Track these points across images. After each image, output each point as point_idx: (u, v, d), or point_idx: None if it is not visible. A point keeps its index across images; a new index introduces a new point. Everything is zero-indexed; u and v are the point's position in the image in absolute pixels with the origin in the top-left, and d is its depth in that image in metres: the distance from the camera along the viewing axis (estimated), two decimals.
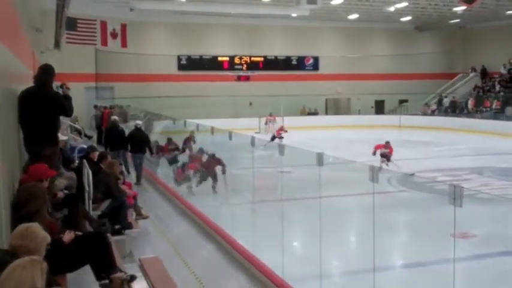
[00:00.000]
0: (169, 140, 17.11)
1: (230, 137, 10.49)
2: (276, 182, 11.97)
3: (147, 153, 16.35)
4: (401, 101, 40.41)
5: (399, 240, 10.72)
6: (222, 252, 8.79)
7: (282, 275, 7.24)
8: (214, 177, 14.17)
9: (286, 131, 24.93)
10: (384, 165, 17.03)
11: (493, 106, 35.73)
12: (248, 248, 8.33)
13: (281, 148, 7.75)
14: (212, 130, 12.07)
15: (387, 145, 18.13)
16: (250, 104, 36.56)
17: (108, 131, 16.91)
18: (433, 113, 38.78)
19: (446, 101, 38.79)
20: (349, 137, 29.56)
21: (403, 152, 24.54)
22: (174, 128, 18.35)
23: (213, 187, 14.22)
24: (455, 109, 37.63)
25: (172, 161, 16.03)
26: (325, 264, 8.44)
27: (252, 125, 31.48)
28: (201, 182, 14.36)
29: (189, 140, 16.60)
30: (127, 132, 16.92)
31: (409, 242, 10.32)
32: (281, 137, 24.17)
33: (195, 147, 16.00)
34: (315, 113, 39.78)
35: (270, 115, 33.86)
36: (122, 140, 16.07)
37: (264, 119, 33.62)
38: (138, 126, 16.41)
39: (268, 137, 24.45)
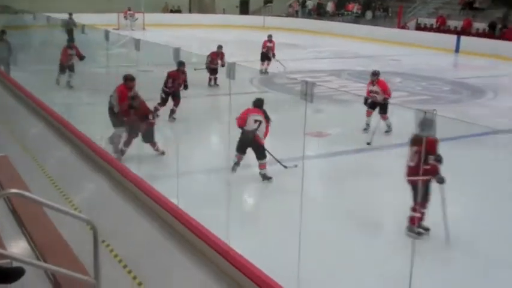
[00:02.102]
0: (70, 43, 14.76)
1: (83, 31, 9.76)
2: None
3: None
4: (266, 2, 40.26)
5: None
6: (79, 155, 8.33)
7: (142, 175, 7.02)
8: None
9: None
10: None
11: (354, 10, 36.73)
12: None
13: (137, 43, 7.28)
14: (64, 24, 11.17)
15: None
16: None
17: None
18: (296, 15, 39.16)
19: (309, 4, 39.19)
20: (213, 37, 29.10)
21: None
22: (24, 22, 16.95)
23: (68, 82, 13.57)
24: (320, 11, 38.22)
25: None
26: (183, 164, 8.33)
27: (111, 21, 29.94)
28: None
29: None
30: None
31: (268, 140, 10.40)
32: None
33: None
34: (178, 11, 38.60)
35: (129, 9, 32.33)
36: None
37: (122, 15, 32.09)
38: None
39: (129, 33, 23.20)
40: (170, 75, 11.68)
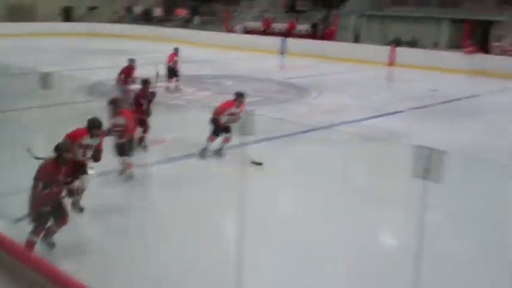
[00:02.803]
0: None
1: None
2: None
3: None
4: (91, 8, 38.93)
5: None
6: None
7: None
8: None
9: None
10: None
11: (183, 15, 36.89)
12: None
13: None
14: None
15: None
16: None
17: None
18: (123, 21, 38.39)
19: (136, 9, 38.64)
20: (35, 46, 27.57)
21: (95, 60, 23.85)
22: None
23: None
24: (147, 16, 37.82)
25: None
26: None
27: None
28: None
29: None
30: None
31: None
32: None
33: None
34: None
35: None
36: None
37: None
38: None
39: None
40: (140, 95, 9.74)
